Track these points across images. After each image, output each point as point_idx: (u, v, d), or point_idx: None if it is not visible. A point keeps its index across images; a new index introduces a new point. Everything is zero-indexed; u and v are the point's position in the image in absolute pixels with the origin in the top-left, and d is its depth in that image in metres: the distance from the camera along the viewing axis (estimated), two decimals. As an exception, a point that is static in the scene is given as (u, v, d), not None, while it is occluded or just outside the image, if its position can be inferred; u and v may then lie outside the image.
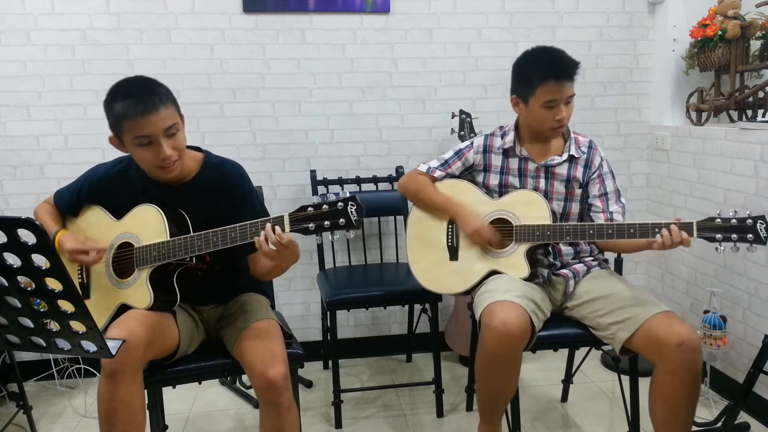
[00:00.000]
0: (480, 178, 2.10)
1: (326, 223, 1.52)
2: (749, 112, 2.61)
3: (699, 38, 2.66)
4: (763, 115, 2.54)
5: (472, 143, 2.11)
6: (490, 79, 2.93)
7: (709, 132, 2.61)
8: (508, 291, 1.82)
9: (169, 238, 1.67)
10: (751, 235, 1.66)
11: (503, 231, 1.99)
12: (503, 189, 2.05)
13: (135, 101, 1.58)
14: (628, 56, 3.00)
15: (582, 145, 2.05)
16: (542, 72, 1.88)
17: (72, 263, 1.74)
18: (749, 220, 1.66)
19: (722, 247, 1.69)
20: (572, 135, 2.04)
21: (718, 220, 1.69)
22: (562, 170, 2.02)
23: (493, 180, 2.06)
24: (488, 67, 2.92)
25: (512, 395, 1.92)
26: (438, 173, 2.10)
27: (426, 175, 2.11)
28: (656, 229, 1.73)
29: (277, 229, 1.55)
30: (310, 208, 1.53)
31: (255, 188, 1.86)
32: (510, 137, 2.04)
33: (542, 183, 2.03)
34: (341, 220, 1.51)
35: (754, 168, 2.33)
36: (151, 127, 1.59)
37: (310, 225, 1.53)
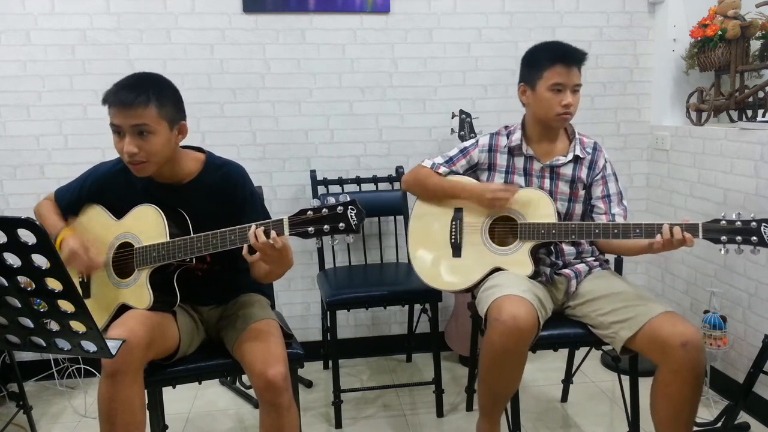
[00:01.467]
0: (484, 177, 2.09)
1: (326, 227, 1.50)
2: (749, 112, 2.60)
3: (699, 38, 2.65)
4: (763, 115, 2.54)
5: (477, 141, 2.11)
6: (490, 79, 2.93)
7: (709, 132, 2.61)
8: (516, 286, 1.82)
9: (168, 239, 1.67)
10: (755, 238, 1.65)
11: (507, 228, 1.99)
12: None
13: (118, 89, 1.63)
14: (628, 56, 3.00)
15: (587, 146, 2.05)
16: (551, 56, 1.94)
17: (67, 264, 1.73)
18: (753, 223, 1.66)
19: (726, 249, 1.69)
20: (577, 135, 2.05)
21: (723, 222, 1.69)
22: (567, 171, 2.03)
23: (498, 179, 2.06)
24: (488, 67, 2.92)
25: (515, 391, 1.92)
26: (442, 169, 2.10)
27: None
28: (661, 230, 1.73)
29: (273, 233, 1.54)
30: (309, 212, 1.52)
31: (256, 190, 1.86)
32: (517, 135, 2.04)
33: (547, 183, 2.03)
34: (341, 224, 1.49)
35: (754, 168, 2.33)
36: (120, 118, 1.62)
37: (309, 229, 1.51)
